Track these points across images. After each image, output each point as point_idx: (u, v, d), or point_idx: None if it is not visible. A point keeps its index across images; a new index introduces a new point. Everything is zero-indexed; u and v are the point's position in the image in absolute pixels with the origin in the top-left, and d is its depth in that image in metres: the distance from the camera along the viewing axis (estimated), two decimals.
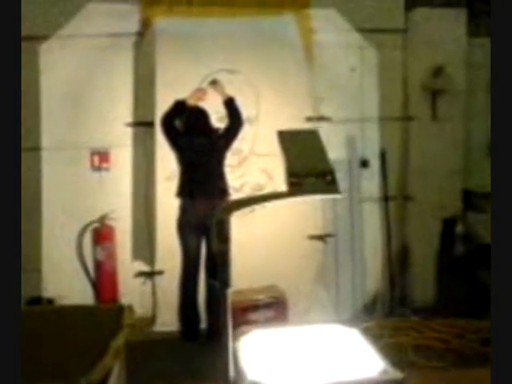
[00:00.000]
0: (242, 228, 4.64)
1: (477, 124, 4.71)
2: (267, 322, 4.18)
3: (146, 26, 4.53)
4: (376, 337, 4.28)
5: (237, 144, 4.45)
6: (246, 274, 4.59)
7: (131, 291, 4.66)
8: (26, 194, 4.50)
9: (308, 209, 4.76)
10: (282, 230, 4.71)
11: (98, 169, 4.60)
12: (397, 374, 1.70)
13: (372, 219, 4.86)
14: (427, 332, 4.30)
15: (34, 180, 4.46)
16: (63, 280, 4.58)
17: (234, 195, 4.59)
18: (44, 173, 4.52)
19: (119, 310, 2.19)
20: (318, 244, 4.77)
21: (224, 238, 1.82)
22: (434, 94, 4.61)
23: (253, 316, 4.14)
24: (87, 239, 4.57)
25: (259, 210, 4.83)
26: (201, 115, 4.30)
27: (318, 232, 4.76)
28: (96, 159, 4.58)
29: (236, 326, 4.32)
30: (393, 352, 3.98)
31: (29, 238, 4.58)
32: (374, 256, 4.86)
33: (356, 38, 4.68)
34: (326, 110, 4.67)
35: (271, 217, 4.77)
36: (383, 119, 4.74)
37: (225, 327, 1.96)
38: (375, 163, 4.82)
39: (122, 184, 4.64)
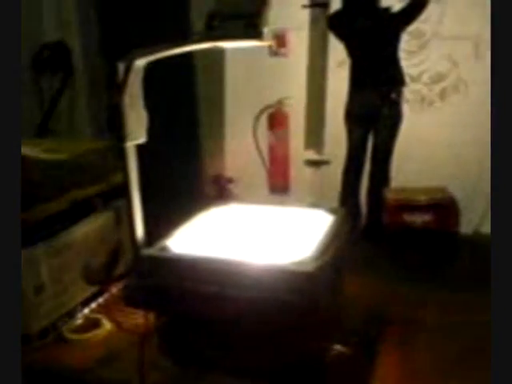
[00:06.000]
0: (426, 122, 4.24)
1: None
2: (425, 225, 3.79)
3: None
4: None
5: (417, 25, 3.90)
6: (423, 171, 4.21)
7: (303, 179, 4.70)
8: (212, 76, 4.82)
9: None
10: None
11: (275, 53, 4.57)
12: (305, 266, 1.51)
13: None
14: None
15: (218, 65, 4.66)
16: (243, 161, 4.85)
17: (411, 85, 4.13)
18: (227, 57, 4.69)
19: None
20: None
21: None
22: None
23: (407, 217, 3.79)
24: (263, 124, 4.71)
25: (443, 105, 4.30)
26: None
27: None
28: (273, 43, 4.53)
29: (389, 225, 4.05)
30: None
31: (215, 120, 4.93)
32: None
33: None
34: None
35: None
36: None
37: None
38: None
39: (299, 69, 4.53)
